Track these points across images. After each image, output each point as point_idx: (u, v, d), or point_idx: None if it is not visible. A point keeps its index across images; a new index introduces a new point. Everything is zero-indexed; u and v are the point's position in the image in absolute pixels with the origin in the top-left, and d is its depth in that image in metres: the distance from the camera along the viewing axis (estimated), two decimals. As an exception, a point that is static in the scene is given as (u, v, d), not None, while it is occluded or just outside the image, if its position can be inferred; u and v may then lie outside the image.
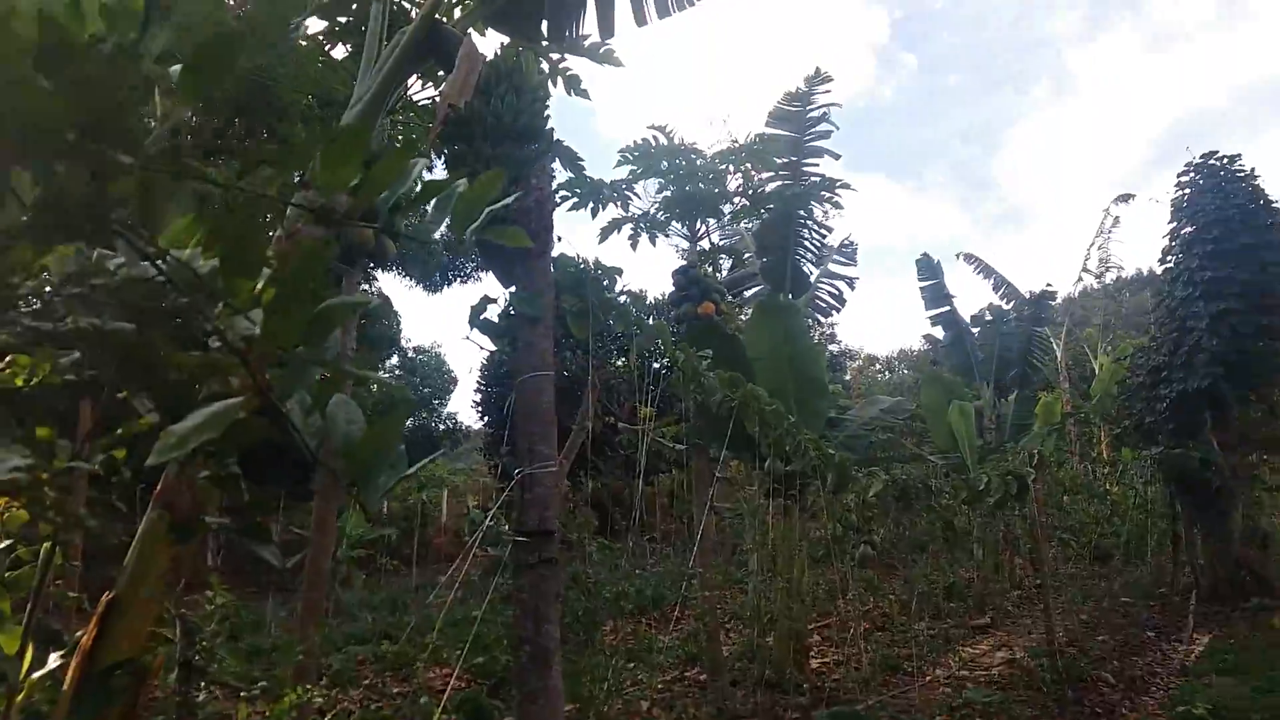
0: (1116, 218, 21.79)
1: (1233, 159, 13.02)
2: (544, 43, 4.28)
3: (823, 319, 13.29)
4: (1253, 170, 12.79)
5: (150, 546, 1.65)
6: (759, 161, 9.35)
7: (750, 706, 6.76)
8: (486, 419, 20.84)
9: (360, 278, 7.90)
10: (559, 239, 5.07)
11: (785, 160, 9.95)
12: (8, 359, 1.41)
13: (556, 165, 5.08)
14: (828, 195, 10.11)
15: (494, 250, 4.12)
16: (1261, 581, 11.57)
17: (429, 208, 1.72)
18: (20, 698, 1.66)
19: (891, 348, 53.86)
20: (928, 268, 18.28)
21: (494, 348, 4.75)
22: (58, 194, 1.03)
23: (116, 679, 1.56)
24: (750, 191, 9.68)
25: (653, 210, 8.93)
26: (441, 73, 4.38)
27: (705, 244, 9.82)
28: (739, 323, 10.05)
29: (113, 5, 1.14)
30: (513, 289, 4.19)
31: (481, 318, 4.42)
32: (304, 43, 4.32)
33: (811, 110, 9.94)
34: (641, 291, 20.65)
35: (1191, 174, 13.27)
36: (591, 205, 8.14)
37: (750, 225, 10.92)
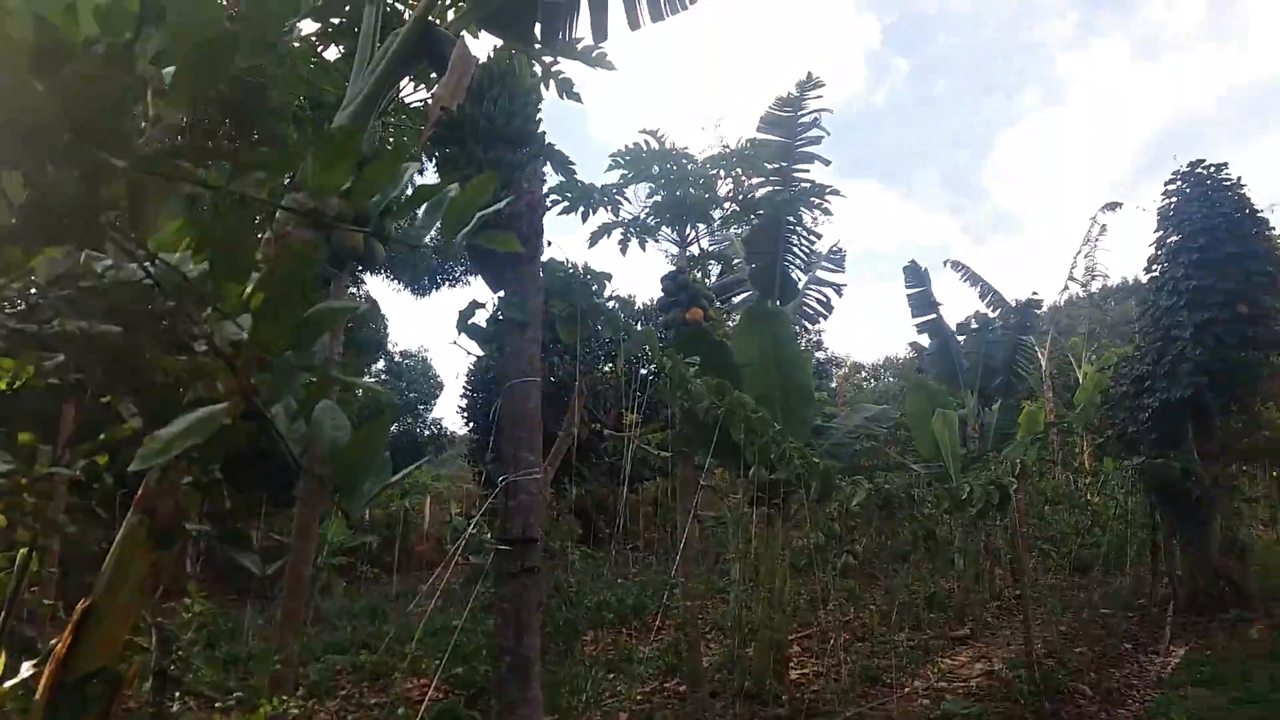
0: (1104, 226, 22.00)
1: (1219, 168, 13.08)
2: (537, 46, 4.26)
3: (810, 325, 13.32)
4: (1239, 179, 12.85)
5: (129, 553, 1.61)
6: (750, 167, 9.37)
7: (729, 718, 6.73)
8: (472, 425, 20.79)
9: (348, 281, 7.86)
10: (549, 243, 5.06)
11: (776, 166, 9.95)
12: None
13: (548, 169, 5.06)
14: (817, 201, 10.13)
15: (484, 255, 4.09)
16: (1239, 593, 11.64)
17: (419, 212, 1.70)
18: (-7, 707, 1.62)
19: (878, 355, 54.10)
20: (915, 275, 18.39)
21: (481, 353, 4.71)
22: (48, 196, 1.01)
23: (91, 688, 1.52)
24: (740, 197, 9.70)
25: (643, 215, 8.94)
26: (434, 75, 4.36)
27: (695, 249, 9.83)
28: (727, 329, 10.06)
29: (107, 6, 1.11)
30: (501, 294, 4.17)
31: (469, 322, 4.39)
32: (297, 44, 4.29)
33: (803, 115, 9.96)
34: (630, 297, 20.72)
35: (1178, 182, 13.33)
36: (582, 210, 8.13)
37: (740, 231, 10.94)
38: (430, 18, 3.40)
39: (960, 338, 18.55)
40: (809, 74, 9.89)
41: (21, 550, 1.69)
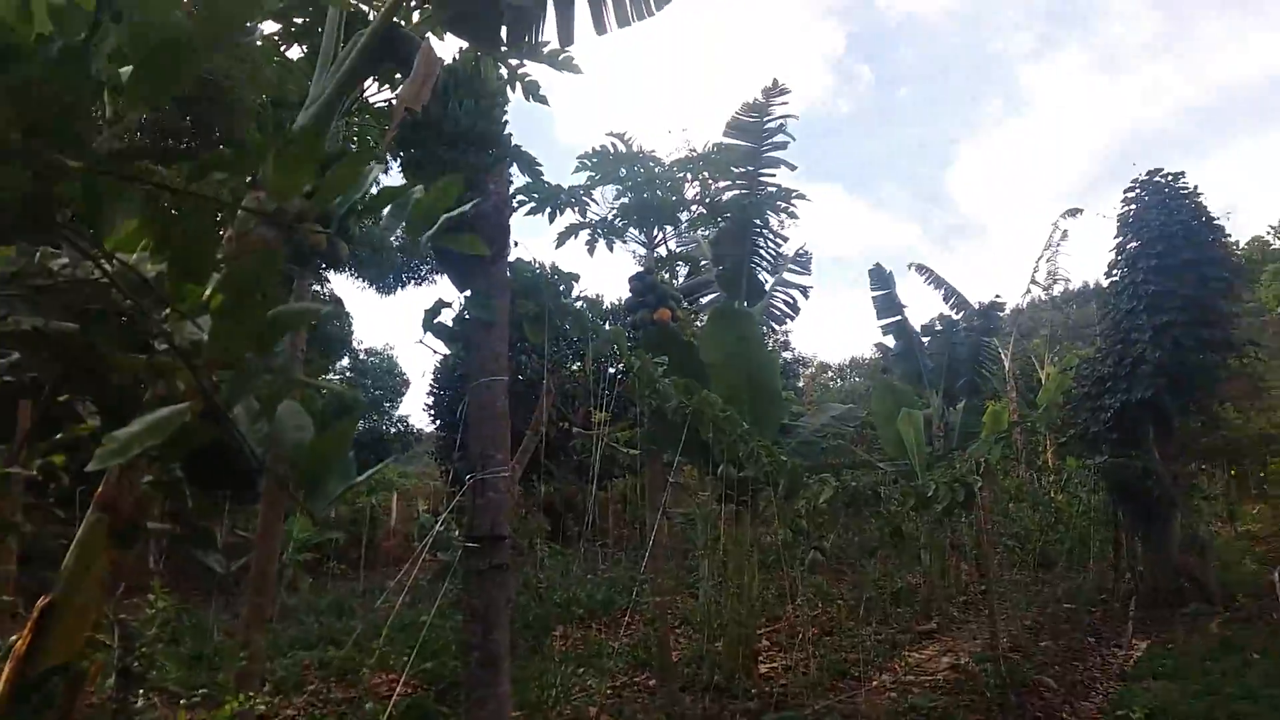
0: (1065, 231, 22.38)
1: (1176, 176, 13.39)
2: (503, 49, 4.28)
3: (777, 326, 13.42)
4: (1195, 188, 13.18)
5: (89, 550, 1.62)
6: (717, 170, 9.44)
7: (698, 711, 6.78)
8: (439, 423, 20.68)
9: (312, 279, 7.79)
10: (516, 243, 5.07)
11: (742, 170, 10.03)
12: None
13: (514, 170, 5.07)
14: (784, 205, 10.23)
15: (450, 254, 4.10)
16: (1199, 588, 11.89)
17: (384, 213, 1.72)
18: (-50, 705, 1.62)
19: (844, 355, 54.51)
20: (880, 278, 18.60)
21: (448, 351, 4.72)
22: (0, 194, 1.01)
23: (51, 685, 1.53)
24: (708, 200, 9.76)
25: (610, 216, 8.96)
26: (399, 76, 4.36)
27: (662, 251, 9.88)
28: (695, 329, 10.12)
29: (62, 5, 1.12)
30: (468, 293, 4.18)
31: (435, 322, 4.39)
32: (259, 44, 4.26)
33: (769, 121, 10.04)
34: (598, 297, 20.70)
35: (1138, 190, 13.63)
36: (549, 210, 8.13)
37: (707, 233, 11.01)
38: (395, 19, 3.40)
39: (925, 339, 18.79)
40: (775, 80, 9.98)
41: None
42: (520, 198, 7.76)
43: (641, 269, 9.17)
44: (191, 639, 8.29)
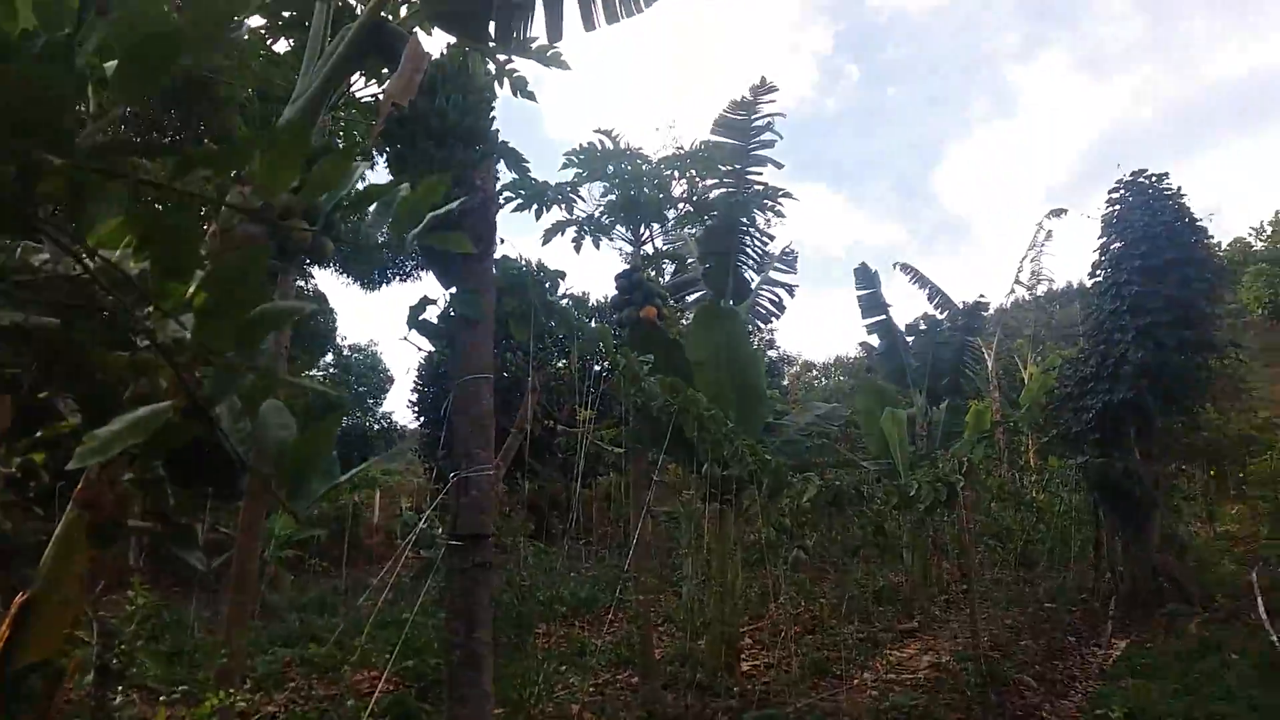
0: (1049, 232, 22.53)
1: (1160, 177, 13.48)
2: (491, 44, 4.26)
3: (763, 325, 13.46)
4: (1179, 189, 13.27)
5: (68, 547, 1.61)
6: (704, 168, 9.43)
7: (680, 709, 6.80)
8: (423, 420, 20.61)
9: (296, 275, 7.75)
10: (502, 240, 5.06)
11: (730, 168, 10.04)
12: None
13: (501, 166, 5.05)
14: (770, 204, 10.25)
15: (435, 252, 4.08)
16: (1178, 588, 11.98)
17: (370, 210, 1.71)
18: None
19: (829, 354, 54.66)
20: (865, 277, 18.68)
21: (432, 348, 4.70)
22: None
23: (30, 682, 1.52)
24: (694, 198, 9.75)
25: (597, 214, 8.94)
26: (385, 70, 4.34)
27: (649, 248, 9.86)
28: (681, 327, 10.12)
29: (47, 0, 1.11)
30: (453, 290, 4.16)
31: (420, 318, 4.37)
32: (246, 37, 4.22)
33: (756, 119, 10.06)
34: (584, 294, 20.70)
35: (1122, 191, 13.72)
36: (536, 207, 8.11)
37: (694, 231, 11.01)
38: (383, 14, 3.39)
39: (909, 338, 18.89)
40: (762, 78, 9.98)
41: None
42: (507, 194, 7.74)
43: (628, 266, 9.16)
44: (172, 636, 8.22)
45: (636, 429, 7.81)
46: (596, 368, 8.83)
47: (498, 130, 4.16)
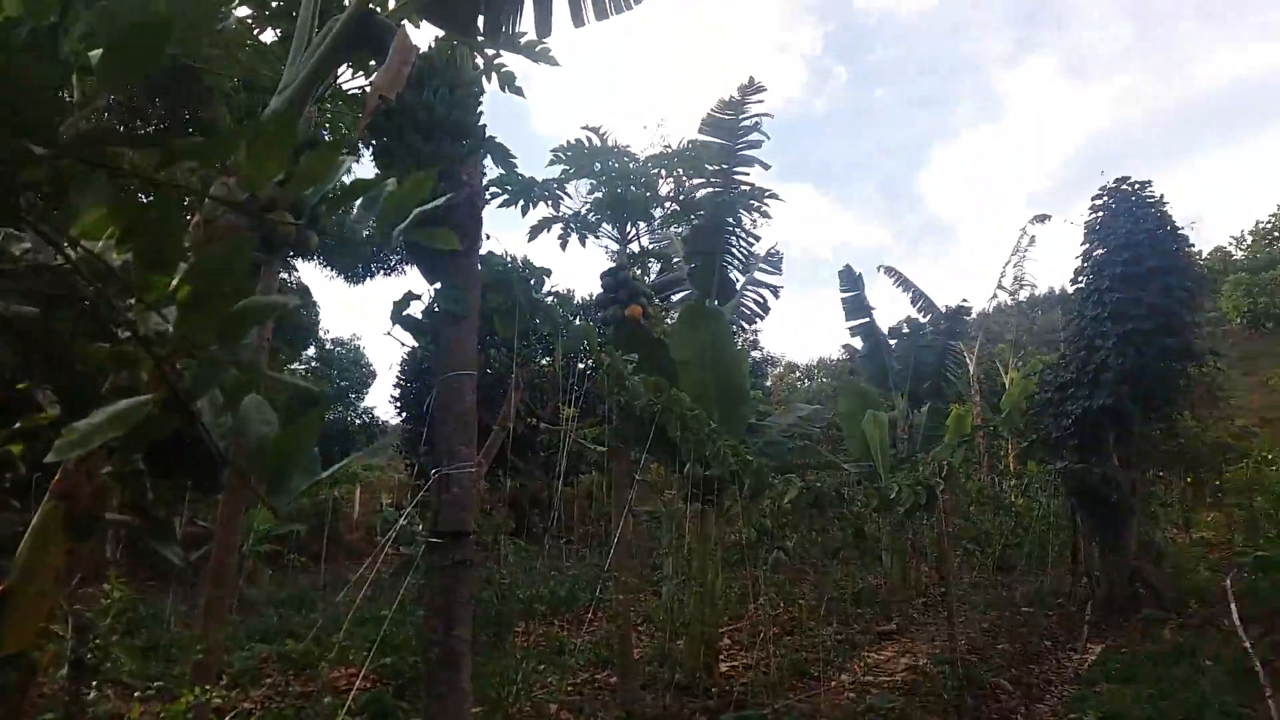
0: (1033, 237, 22.72)
1: (1143, 185, 13.56)
2: (479, 38, 4.25)
3: (747, 325, 13.50)
4: (1161, 196, 13.35)
5: (45, 539, 1.58)
6: (691, 167, 9.43)
7: (659, 709, 6.80)
8: (405, 415, 20.53)
9: (280, 267, 7.69)
10: (488, 236, 5.04)
11: (717, 167, 10.06)
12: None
13: (488, 161, 5.03)
14: (756, 204, 10.27)
15: (420, 246, 4.06)
16: (1154, 593, 12.08)
17: (356, 204, 1.70)
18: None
19: (812, 356, 54.87)
20: (849, 279, 18.78)
21: (416, 344, 4.67)
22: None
23: (3, 675, 1.50)
24: (681, 197, 9.76)
25: (583, 211, 8.92)
26: (373, 63, 4.31)
27: (635, 247, 9.85)
28: (665, 327, 10.13)
29: (31, -14, 1.09)
30: (438, 285, 4.14)
31: (405, 313, 4.35)
32: (233, 26, 4.18)
33: (744, 119, 10.08)
34: (569, 292, 20.63)
35: (1105, 198, 13.79)
36: (522, 203, 8.08)
37: (680, 230, 11.02)
38: (371, 5, 3.36)
39: (892, 341, 19.00)
40: (750, 78, 10.00)
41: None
42: (494, 189, 7.71)
43: (613, 265, 9.15)
44: (148, 630, 8.15)
45: (619, 428, 7.80)
46: (580, 366, 8.82)
47: (485, 125, 4.14)
